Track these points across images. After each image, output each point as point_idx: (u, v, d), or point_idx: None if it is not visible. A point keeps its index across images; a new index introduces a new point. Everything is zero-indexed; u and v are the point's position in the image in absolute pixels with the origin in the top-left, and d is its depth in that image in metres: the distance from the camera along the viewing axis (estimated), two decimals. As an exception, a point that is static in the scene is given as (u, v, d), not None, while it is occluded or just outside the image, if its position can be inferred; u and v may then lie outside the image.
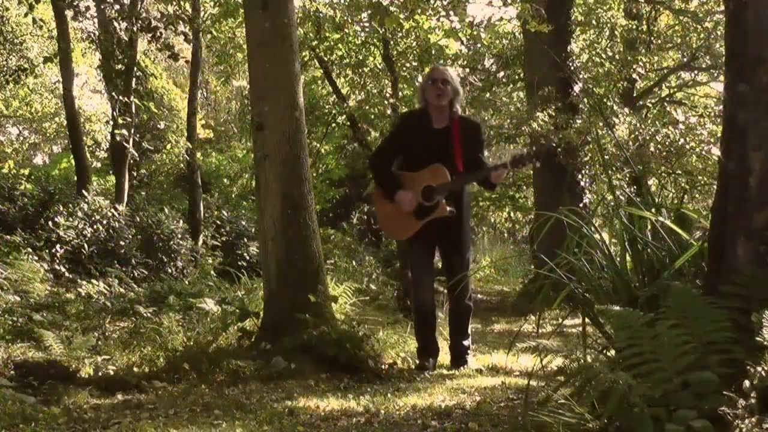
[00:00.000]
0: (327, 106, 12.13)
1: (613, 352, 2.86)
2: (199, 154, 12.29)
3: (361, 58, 11.85)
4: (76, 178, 10.08)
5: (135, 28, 7.62)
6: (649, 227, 3.25)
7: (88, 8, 8.40)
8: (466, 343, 4.66)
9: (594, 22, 12.45)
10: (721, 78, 9.67)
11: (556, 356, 2.95)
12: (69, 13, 8.84)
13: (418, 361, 4.54)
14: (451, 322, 4.71)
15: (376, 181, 4.80)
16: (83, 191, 9.14)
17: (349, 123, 11.58)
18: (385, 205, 4.62)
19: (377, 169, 4.71)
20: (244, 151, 18.66)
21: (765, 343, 2.32)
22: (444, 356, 4.84)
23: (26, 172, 11.93)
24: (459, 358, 4.62)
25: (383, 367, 4.31)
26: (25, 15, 8.30)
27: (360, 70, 12.07)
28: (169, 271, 9.15)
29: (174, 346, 4.42)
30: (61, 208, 8.49)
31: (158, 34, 7.31)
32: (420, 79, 4.91)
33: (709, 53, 12.56)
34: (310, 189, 4.82)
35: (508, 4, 7.90)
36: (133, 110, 9.88)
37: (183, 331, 4.85)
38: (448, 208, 4.42)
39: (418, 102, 4.77)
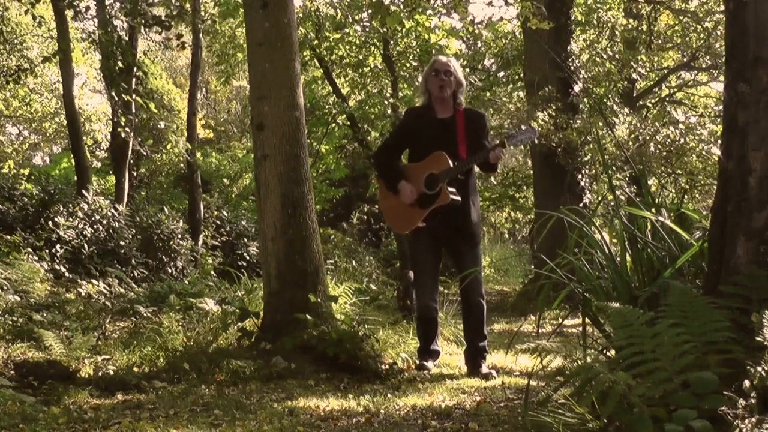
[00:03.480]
0: (327, 106, 12.13)
1: (613, 352, 2.86)
2: (199, 154, 12.28)
3: (361, 58, 11.86)
4: (76, 178, 10.07)
5: (141, 22, 7.61)
6: (649, 227, 3.25)
7: (88, 8, 8.40)
8: (481, 344, 4.42)
9: (594, 21, 12.46)
10: (721, 78, 9.67)
11: (556, 356, 2.94)
12: (69, 13, 8.84)
13: (418, 361, 4.53)
14: (465, 322, 4.53)
15: (378, 174, 4.75)
16: (83, 191, 9.12)
17: (349, 123, 11.59)
18: (389, 198, 4.58)
19: (380, 163, 4.68)
20: (244, 151, 18.68)
21: (765, 343, 2.32)
22: (447, 356, 4.85)
23: (26, 172, 11.93)
24: (476, 366, 4.35)
25: (383, 367, 4.31)
26: (26, 12, 8.28)
27: (360, 70, 12.09)
28: (169, 271, 9.15)
29: (174, 346, 4.42)
30: (61, 208, 8.47)
31: (167, 24, 7.34)
32: (420, 78, 4.81)
33: (709, 53, 12.57)
34: (310, 189, 4.81)
35: (508, 4, 7.90)
36: (134, 110, 9.87)
37: (183, 331, 4.84)
38: (452, 196, 4.35)
39: (420, 94, 4.67)
